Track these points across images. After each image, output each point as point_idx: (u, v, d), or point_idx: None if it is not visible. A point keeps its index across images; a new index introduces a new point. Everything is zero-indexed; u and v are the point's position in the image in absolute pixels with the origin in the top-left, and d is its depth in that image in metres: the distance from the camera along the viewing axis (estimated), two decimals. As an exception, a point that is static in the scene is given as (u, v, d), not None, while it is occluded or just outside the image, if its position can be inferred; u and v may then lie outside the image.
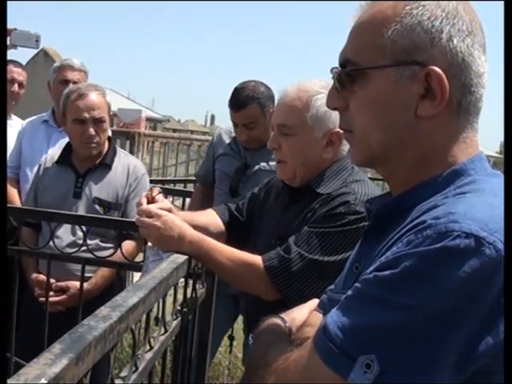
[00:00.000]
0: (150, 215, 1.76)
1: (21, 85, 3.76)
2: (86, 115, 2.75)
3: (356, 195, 1.81)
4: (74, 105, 2.78)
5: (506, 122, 1.00)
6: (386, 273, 0.86)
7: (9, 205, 3.10)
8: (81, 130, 2.77)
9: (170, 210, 1.84)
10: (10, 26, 3.12)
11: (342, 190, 1.84)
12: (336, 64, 1.07)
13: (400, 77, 0.98)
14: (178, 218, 1.80)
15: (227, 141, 3.28)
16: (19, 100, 3.80)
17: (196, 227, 1.98)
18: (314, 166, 1.90)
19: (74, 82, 3.37)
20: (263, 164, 3.02)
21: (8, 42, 3.22)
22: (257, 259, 1.81)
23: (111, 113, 2.91)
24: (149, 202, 1.84)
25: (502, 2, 1.07)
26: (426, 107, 0.97)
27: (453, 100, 0.97)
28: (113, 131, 4.35)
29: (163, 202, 1.86)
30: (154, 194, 1.86)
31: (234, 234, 2.08)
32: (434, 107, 0.97)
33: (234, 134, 3.23)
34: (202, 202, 3.29)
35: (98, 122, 2.77)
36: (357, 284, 0.92)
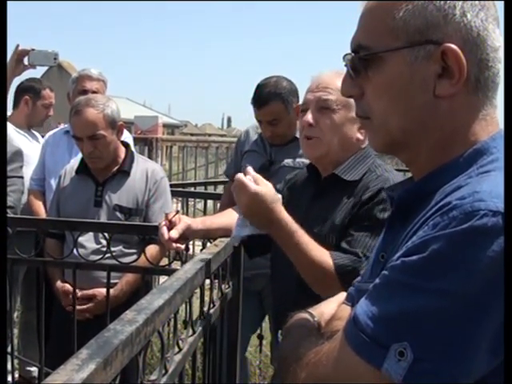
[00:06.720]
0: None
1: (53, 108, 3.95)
2: (80, 133, 2.77)
3: (389, 179, 1.81)
4: (71, 121, 2.83)
5: (505, 120, 0.97)
6: (414, 258, 0.84)
7: (31, 216, 3.12)
8: (80, 145, 2.81)
9: (189, 227, 1.87)
10: (27, 46, 3.17)
11: (375, 175, 1.85)
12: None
13: (415, 58, 0.96)
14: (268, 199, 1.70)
15: (254, 137, 3.25)
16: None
17: (218, 229, 1.97)
18: (347, 148, 1.89)
19: (93, 92, 3.38)
20: (287, 161, 2.99)
21: (26, 62, 3.28)
22: (328, 262, 1.72)
23: (120, 122, 2.84)
24: (169, 228, 1.86)
25: (502, 2, 1.05)
26: (444, 86, 0.95)
27: (470, 77, 0.95)
28: (134, 138, 4.39)
29: (181, 221, 1.88)
30: (170, 218, 1.89)
31: None
32: (453, 85, 0.95)
33: (260, 131, 3.20)
34: (233, 199, 3.27)
35: (93, 138, 2.75)
36: (384, 271, 0.90)
